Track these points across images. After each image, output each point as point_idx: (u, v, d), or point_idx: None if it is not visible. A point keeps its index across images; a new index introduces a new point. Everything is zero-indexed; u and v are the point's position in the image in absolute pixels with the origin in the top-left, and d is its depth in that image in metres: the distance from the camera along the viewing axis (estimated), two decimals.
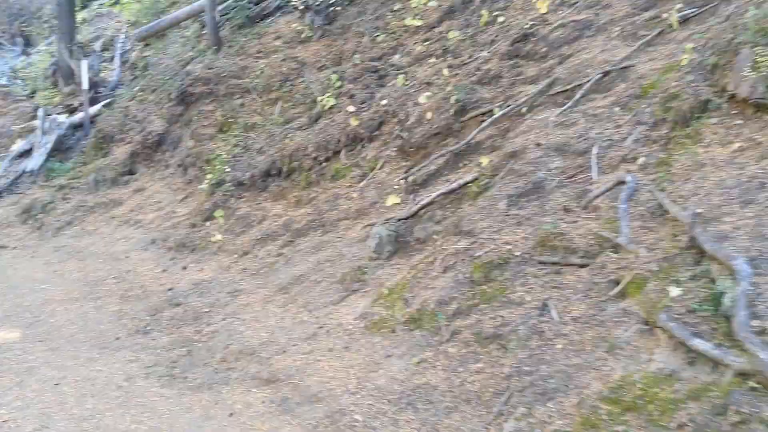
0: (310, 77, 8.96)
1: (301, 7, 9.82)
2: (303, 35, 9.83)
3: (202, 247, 7.45)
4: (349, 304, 5.40)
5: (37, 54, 15.18)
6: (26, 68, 14.79)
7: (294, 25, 10.13)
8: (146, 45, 13.08)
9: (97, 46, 14.44)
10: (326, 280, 5.83)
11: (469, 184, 5.60)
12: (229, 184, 7.94)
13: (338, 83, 8.36)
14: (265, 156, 8.03)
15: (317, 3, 9.80)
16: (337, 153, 7.55)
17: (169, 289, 6.72)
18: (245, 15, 10.63)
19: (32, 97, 13.31)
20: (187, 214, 8.22)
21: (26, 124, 11.40)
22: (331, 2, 9.77)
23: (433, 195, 5.79)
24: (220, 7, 10.61)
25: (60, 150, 10.62)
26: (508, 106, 6.42)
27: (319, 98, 8.34)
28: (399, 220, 5.84)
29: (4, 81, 14.49)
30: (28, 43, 16.23)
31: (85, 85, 11.43)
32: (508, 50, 7.37)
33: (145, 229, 8.40)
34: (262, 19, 10.71)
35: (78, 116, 11.20)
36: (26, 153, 10.64)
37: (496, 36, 7.77)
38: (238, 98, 9.25)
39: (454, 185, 5.72)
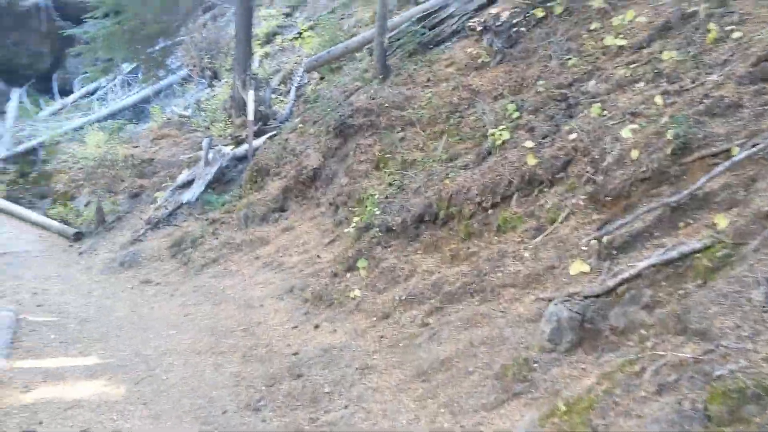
0: (483, 107, 7.58)
1: (479, 29, 8.52)
2: (479, 60, 8.52)
3: (340, 302, 6.28)
4: (507, 413, 3.84)
5: (220, 87, 15.46)
6: (209, 100, 15.10)
7: (470, 49, 8.86)
8: (322, 78, 12.62)
9: (276, 79, 14.32)
10: (479, 371, 4.31)
11: (698, 255, 3.82)
12: (377, 228, 6.75)
13: (515, 114, 6.89)
14: (420, 198, 6.74)
15: (498, 24, 8.45)
16: (506, 198, 6.04)
17: (294, 354, 5.60)
18: (417, 41, 9.58)
19: (209, 128, 13.40)
20: (331, 260, 7.14)
21: (193, 154, 11.27)
22: (514, 22, 8.37)
23: (640, 266, 4.06)
24: (390, 34, 9.67)
25: (220, 182, 10.23)
26: (755, 145, 4.53)
27: (491, 131, 6.92)
28: (587, 297, 4.18)
29: (188, 112, 14.87)
30: (214, 76, 16.70)
31: (251, 116, 11.05)
32: (750, 72, 5.45)
33: (287, 273, 7.46)
34: (435, 46, 9.58)
35: (242, 148, 10.83)
36: (189, 184, 10.39)
37: (731, 55, 5.85)
38: (399, 131, 8.13)
39: (674, 254, 3.95)
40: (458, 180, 6.52)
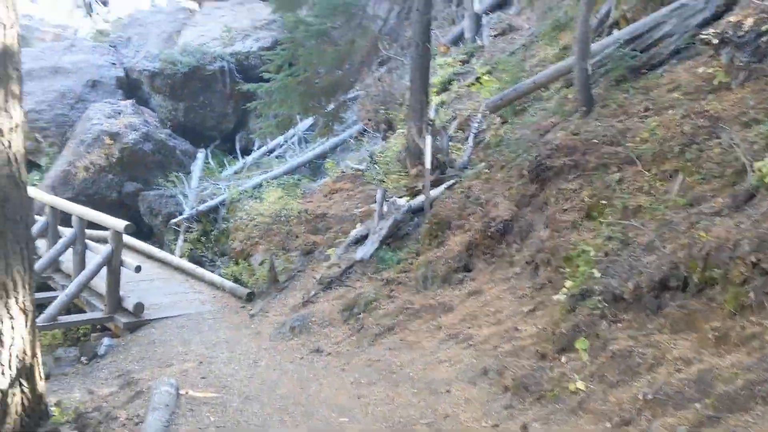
0: (731, 137, 5.79)
1: (716, 42, 6.77)
2: (715, 81, 6.74)
3: (554, 396, 4.74)
4: None
5: (395, 138, 14.77)
6: (383, 152, 14.44)
7: (699, 69, 7.10)
8: (504, 122, 11.38)
9: (452, 126, 13.30)
10: None
11: None
12: (600, 297, 5.16)
13: None
14: (657, 256, 5.08)
15: (740, 35, 6.65)
16: None
17: None
18: (626, 66, 7.99)
19: (383, 181, 12.62)
20: (535, 336, 5.64)
21: (367, 207, 10.41)
22: (763, 30, 6.53)
23: None
24: (592, 60, 8.18)
25: (395, 237, 9.20)
26: None
27: (751, 165, 5.13)
28: None
29: (362, 166, 14.30)
30: (389, 128, 16.11)
31: (428, 164, 9.99)
32: None
33: (477, 350, 6.06)
34: (649, 70, 7.92)
35: (418, 199, 9.76)
36: (362, 239, 9.48)
37: None
38: (614, 171, 6.53)
39: None
40: (714, 231, 4.78)
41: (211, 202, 14.88)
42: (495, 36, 18.46)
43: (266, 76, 11.12)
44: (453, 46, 19.02)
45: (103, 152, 14.65)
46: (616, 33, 9.08)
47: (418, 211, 9.59)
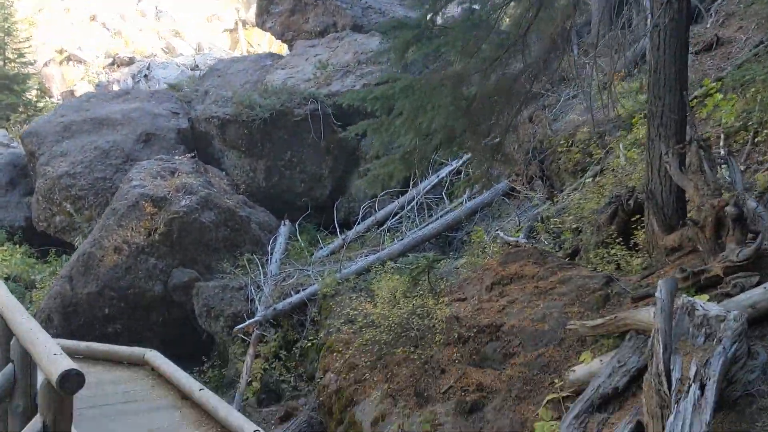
0: None
1: None
2: None
3: None
4: None
5: (566, 198, 9.38)
6: (556, 216, 9.10)
7: None
8: None
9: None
10: None
11: None
12: None
13: None
14: None
15: None
16: None
17: None
18: None
19: (585, 258, 7.20)
20: None
21: (590, 313, 4.94)
22: None
23: None
24: None
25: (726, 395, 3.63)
26: None
27: None
28: None
29: (521, 238, 8.99)
30: (550, 184, 10.78)
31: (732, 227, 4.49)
32: None
33: None
34: None
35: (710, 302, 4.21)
36: (615, 394, 3.96)
37: None
38: None
39: None
40: None
41: (294, 297, 9.90)
42: (697, 52, 12.99)
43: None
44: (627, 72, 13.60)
45: (142, 225, 10.09)
46: None
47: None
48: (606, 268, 6.65)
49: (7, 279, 11.44)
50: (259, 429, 5.61)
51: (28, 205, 12.66)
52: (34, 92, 22.54)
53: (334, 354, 6.72)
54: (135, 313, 10.13)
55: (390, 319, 6.57)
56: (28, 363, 4.79)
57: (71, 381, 3.61)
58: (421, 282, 7.53)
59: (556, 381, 4.88)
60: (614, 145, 10.21)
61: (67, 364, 3.78)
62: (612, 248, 6.97)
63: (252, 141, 12.79)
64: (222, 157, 13.53)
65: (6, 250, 11.84)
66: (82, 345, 8.35)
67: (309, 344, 9.44)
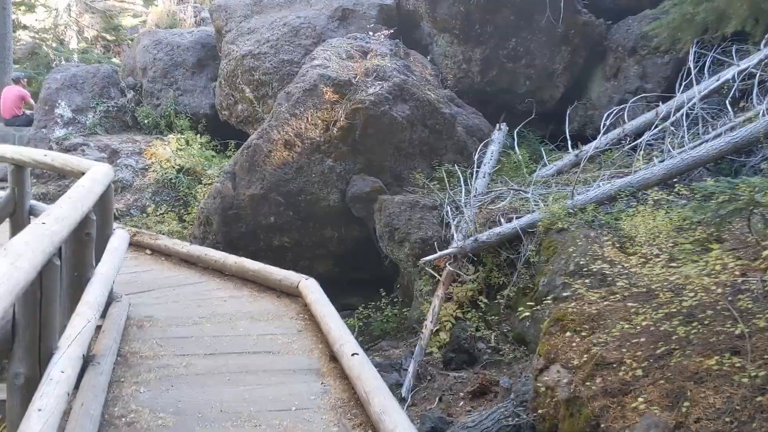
0: None
1: None
2: None
3: None
4: None
5: None
6: None
7: None
8: None
9: None
10: None
11: None
12: None
13: None
14: None
15: None
16: None
17: None
18: None
19: None
20: None
21: None
22: None
23: None
24: None
25: None
26: None
27: None
28: None
29: None
30: None
31: None
32: None
33: None
34: None
35: None
36: None
37: None
38: None
39: None
40: None
41: (505, 227, 7.24)
42: None
43: None
44: None
45: (320, 116, 7.92)
46: None
47: None
48: None
49: (179, 171, 10.19)
50: None
51: (214, 91, 11.29)
52: None
53: (569, 335, 3.97)
54: (305, 225, 8.19)
55: (652, 277, 3.62)
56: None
57: None
58: (729, 229, 4.40)
59: None
60: None
61: None
62: None
63: (469, 22, 9.96)
64: (431, 44, 10.94)
65: (182, 139, 10.57)
66: (231, 259, 6.53)
67: (520, 294, 6.82)
